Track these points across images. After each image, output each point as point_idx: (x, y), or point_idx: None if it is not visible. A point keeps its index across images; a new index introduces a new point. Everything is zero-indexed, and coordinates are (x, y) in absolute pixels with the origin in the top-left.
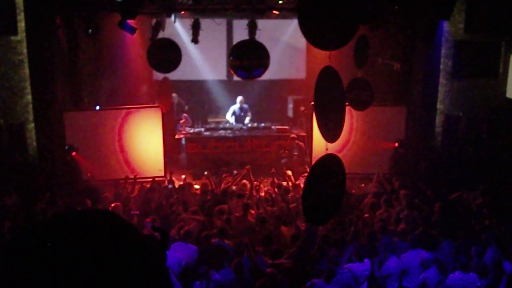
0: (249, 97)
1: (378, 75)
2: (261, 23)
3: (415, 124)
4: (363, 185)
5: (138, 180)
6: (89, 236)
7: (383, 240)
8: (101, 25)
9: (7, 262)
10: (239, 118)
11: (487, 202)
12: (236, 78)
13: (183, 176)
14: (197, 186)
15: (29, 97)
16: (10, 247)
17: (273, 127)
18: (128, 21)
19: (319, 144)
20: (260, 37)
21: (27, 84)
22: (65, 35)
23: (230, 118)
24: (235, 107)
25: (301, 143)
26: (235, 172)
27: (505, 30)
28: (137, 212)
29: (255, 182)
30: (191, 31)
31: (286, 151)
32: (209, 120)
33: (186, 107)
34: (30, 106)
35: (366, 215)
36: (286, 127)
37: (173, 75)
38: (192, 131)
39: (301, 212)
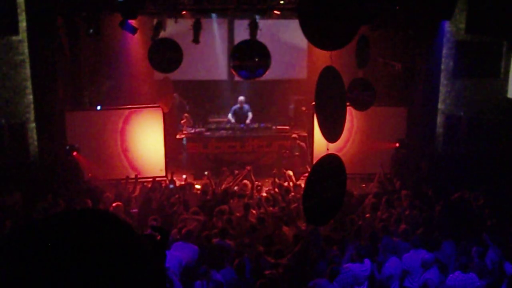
0: (250, 97)
1: (379, 75)
2: (263, 23)
3: (416, 124)
4: (364, 185)
5: (139, 180)
6: (85, 235)
7: (384, 240)
8: (102, 25)
9: (3, 261)
10: (240, 118)
11: (488, 202)
12: (237, 78)
13: (184, 176)
14: (198, 186)
15: (31, 97)
16: (7, 245)
17: (274, 127)
18: (129, 21)
19: (320, 144)
20: (261, 37)
21: (29, 84)
22: (66, 35)
23: (231, 118)
24: (236, 107)
25: (302, 143)
26: (236, 172)
27: (507, 30)
28: (137, 211)
29: (256, 182)
30: (192, 31)
31: (287, 151)
32: (210, 120)
33: (187, 107)
34: (32, 106)
35: (367, 215)
36: (287, 127)
37: (174, 75)
38: (193, 131)
39: (302, 212)
